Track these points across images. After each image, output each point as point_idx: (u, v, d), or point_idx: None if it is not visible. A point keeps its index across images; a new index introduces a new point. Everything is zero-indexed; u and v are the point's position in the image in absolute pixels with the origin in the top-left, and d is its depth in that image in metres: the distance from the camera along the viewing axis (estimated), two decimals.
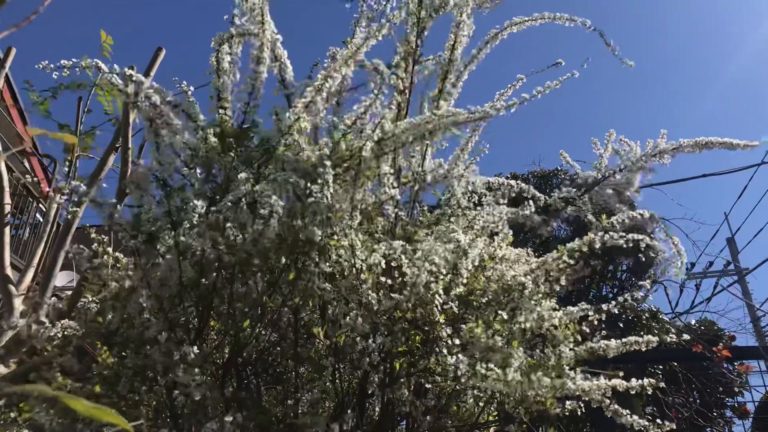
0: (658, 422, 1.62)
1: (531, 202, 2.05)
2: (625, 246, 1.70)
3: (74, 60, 1.47)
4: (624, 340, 1.73)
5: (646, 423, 1.59)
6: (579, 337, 1.75)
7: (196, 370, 1.38)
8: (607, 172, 2.53)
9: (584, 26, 2.09)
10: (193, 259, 1.50)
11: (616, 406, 1.60)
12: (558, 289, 1.78)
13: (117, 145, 2.61)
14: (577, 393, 1.50)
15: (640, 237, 1.63)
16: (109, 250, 1.56)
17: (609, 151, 2.58)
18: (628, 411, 1.60)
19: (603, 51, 2.18)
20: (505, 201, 2.02)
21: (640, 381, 1.59)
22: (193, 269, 1.52)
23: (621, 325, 4.52)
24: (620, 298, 1.73)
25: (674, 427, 1.65)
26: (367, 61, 1.75)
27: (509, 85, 2.05)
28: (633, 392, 1.57)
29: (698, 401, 4.54)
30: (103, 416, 0.43)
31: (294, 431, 1.49)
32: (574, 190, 2.47)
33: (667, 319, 5.58)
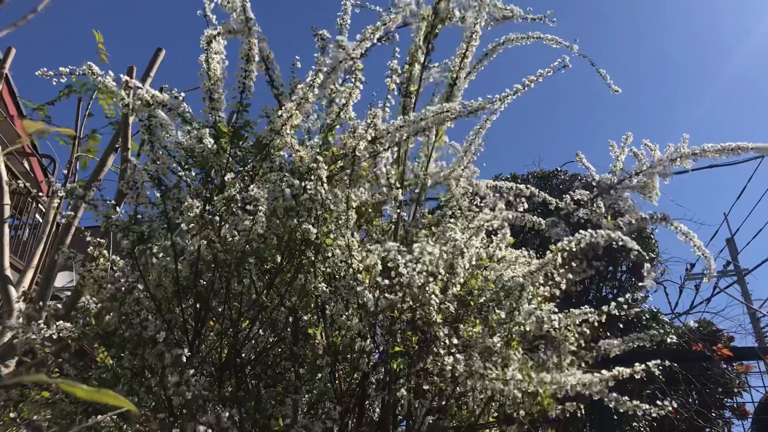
0: (658, 403, 1.61)
1: (524, 201, 2.06)
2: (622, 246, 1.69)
3: (71, 67, 1.47)
4: (626, 337, 1.73)
5: (647, 406, 1.58)
6: (582, 341, 1.75)
7: (191, 371, 1.38)
8: (623, 175, 2.48)
9: (570, 50, 2.15)
10: (189, 259, 1.50)
11: (616, 394, 1.59)
12: (558, 293, 1.78)
13: (117, 146, 2.61)
14: (578, 388, 1.49)
15: (623, 238, 1.63)
16: (105, 253, 1.56)
17: (624, 154, 2.52)
18: (627, 397, 1.59)
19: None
20: (503, 202, 2.02)
21: (642, 366, 1.58)
22: (190, 269, 1.52)
23: (621, 325, 4.52)
24: (620, 299, 1.72)
25: (675, 405, 1.64)
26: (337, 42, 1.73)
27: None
28: (638, 377, 1.56)
29: (697, 402, 4.54)
30: (105, 399, 0.43)
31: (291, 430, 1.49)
32: (587, 192, 2.45)
33: (667, 320, 5.58)
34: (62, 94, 2.88)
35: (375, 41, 1.74)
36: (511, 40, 2.15)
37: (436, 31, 1.99)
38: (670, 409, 1.60)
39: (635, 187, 2.43)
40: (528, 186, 2.29)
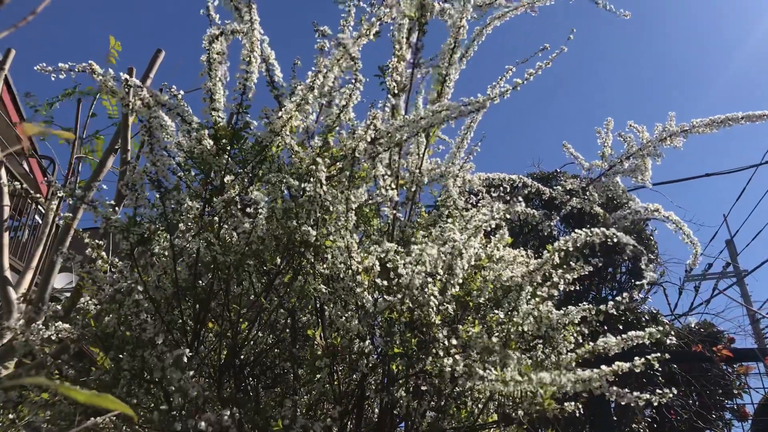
0: (659, 392, 1.58)
1: (522, 199, 2.05)
2: (620, 246, 1.69)
3: (71, 63, 1.47)
4: (624, 336, 1.72)
5: (648, 396, 1.56)
6: (579, 338, 1.74)
7: (191, 372, 1.38)
8: (613, 161, 2.43)
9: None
10: (189, 260, 1.50)
11: (617, 388, 1.57)
12: (556, 294, 1.78)
13: (116, 147, 2.62)
14: (577, 385, 1.48)
15: (617, 234, 1.62)
16: (104, 254, 1.56)
17: (610, 139, 2.48)
18: (627, 390, 1.57)
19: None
20: (501, 197, 2.02)
21: (642, 360, 1.57)
22: (189, 271, 1.52)
23: (621, 327, 4.52)
24: (618, 298, 1.71)
25: (675, 403, 1.62)
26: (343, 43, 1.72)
27: (500, 77, 2.05)
28: (637, 370, 1.54)
29: (697, 403, 4.54)
30: (104, 403, 0.43)
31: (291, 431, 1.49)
32: (578, 181, 2.42)
33: (667, 321, 5.58)
34: (63, 96, 2.89)
35: (372, 38, 1.73)
36: (498, 17, 2.04)
37: (424, 28, 1.96)
38: (671, 396, 1.58)
39: (627, 171, 2.40)
40: (521, 176, 2.29)
